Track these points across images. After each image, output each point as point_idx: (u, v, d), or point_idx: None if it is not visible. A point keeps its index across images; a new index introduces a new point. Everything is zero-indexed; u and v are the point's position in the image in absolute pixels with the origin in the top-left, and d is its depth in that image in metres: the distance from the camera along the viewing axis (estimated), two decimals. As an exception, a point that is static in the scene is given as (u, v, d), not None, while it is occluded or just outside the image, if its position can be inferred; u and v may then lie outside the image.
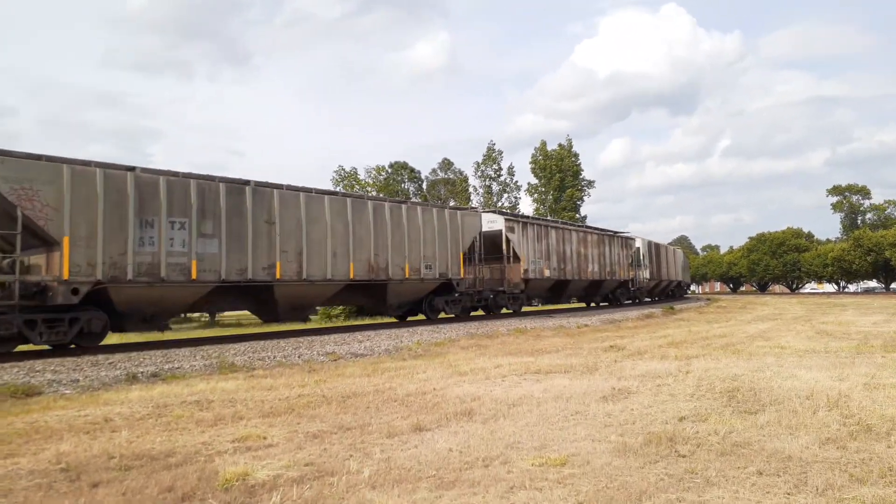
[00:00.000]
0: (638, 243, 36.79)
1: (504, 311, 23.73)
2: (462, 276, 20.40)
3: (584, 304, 34.64)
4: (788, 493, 3.78)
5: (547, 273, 25.56)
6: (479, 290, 22.30)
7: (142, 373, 9.61)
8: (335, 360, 11.49)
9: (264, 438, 5.36)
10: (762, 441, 4.94)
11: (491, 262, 23.27)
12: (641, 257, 36.86)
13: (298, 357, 11.61)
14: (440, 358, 11.36)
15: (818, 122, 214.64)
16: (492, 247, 23.31)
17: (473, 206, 59.45)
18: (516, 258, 23.57)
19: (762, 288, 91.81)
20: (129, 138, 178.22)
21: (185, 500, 3.86)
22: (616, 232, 35.22)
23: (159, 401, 7.27)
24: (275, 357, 11.45)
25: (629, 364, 9.77)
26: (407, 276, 18.17)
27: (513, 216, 25.03)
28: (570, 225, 30.15)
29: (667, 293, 48.21)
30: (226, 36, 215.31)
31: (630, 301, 36.26)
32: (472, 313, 23.28)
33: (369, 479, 4.17)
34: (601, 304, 34.37)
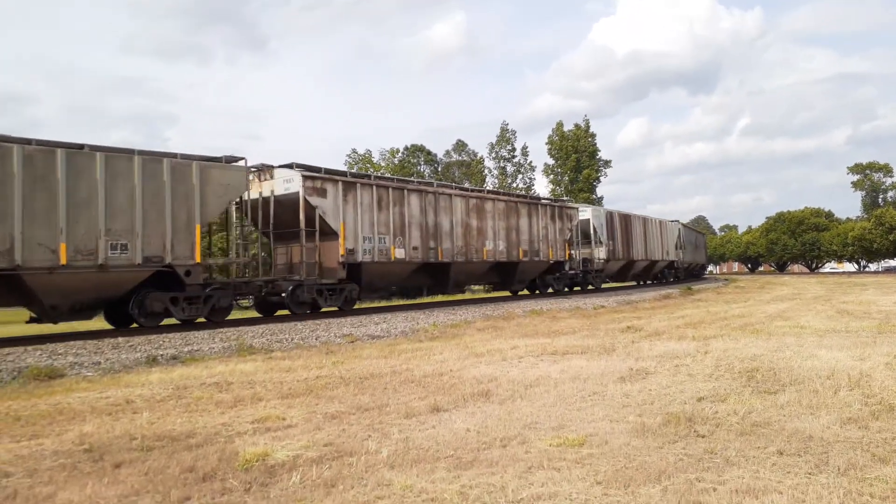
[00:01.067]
0: (586, 213, 28.83)
1: (326, 308, 16.99)
2: (197, 259, 13.53)
3: (507, 293, 26.58)
4: (810, 473, 3.74)
5: (399, 254, 18.20)
6: (266, 279, 16.08)
7: (161, 355, 9.73)
8: (352, 341, 11.55)
9: (283, 419, 5.41)
10: (782, 421, 4.90)
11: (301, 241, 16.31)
12: (593, 232, 28.79)
13: (316, 339, 11.69)
14: (456, 339, 11.38)
15: (841, 100, 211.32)
16: (295, 219, 16.35)
17: (489, 188, 59.22)
18: (333, 234, 16.59)
19: (781, 268, 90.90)
20: (148, 123, 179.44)
21: (206, 480, 3.90)
22: (552, 200, 28.08)
23: (179, 383, 7.35)
24: (293, 339, 11.54)
25: (647, 345, 9.72)
26: (64, 261, 11.64)
27: (326, 173, 16.90)
28: (452, 188, 21.78)
29: (654, 276, 39.75)
30: (244, 20, 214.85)
31: (578, 288, 28.50)
32: (280, 311, 16.91)
33: (388, 459, 4.19)
34: (535, 292, 26.30)
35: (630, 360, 8.15)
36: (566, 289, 27.43)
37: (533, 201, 25.10)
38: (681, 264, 43.32)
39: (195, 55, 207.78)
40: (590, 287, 29.04)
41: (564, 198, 34.63)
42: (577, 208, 27.97)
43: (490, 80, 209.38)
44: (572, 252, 27.10)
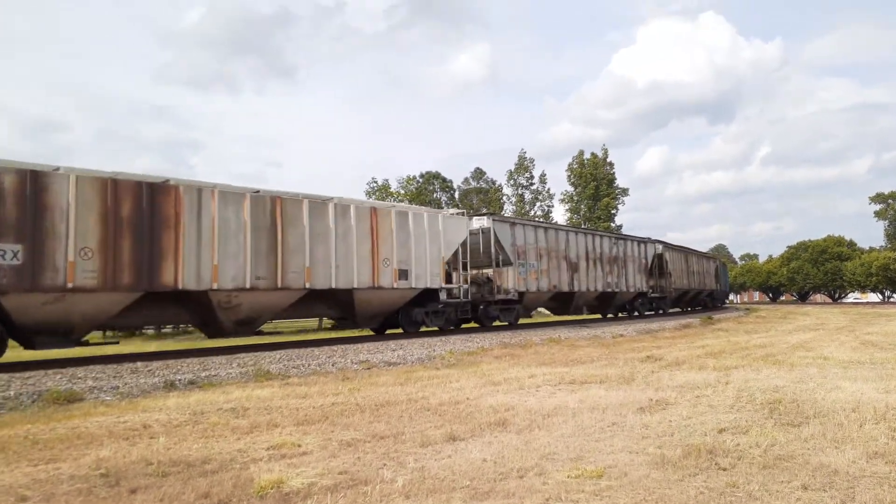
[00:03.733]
0: None
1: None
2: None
3: None
4: (835, 509, 3.65)
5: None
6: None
7: (179, 380, 9.76)
8: (368, 368, 11.52)
9: (299, 446, 5.38)
10: (806, 454, 4.79)
11: None
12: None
13: (332, 365, 11.67)
14: (473, 367, 11.31)
15: (862, 129, 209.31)
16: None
17: (506, 215, 59.29)
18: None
19: (802, 297, 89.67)
20: (175, 150, 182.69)
21: (221, 507, 3.88)
22: None
23: (196, 408, 7.36)
24: (309, 365, 11.53)
25: (667, 375, 9.60)
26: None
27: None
28: None
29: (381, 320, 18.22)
30: (274, 50, 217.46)
31: None
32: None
33: (403, 489, 4.14)
34: None
35: (650, 391, 8.04)
36: None
37: None
38: (497, 293, 21.63)
39: (225, 84, 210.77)
40: None
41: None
42: None
43: (510, 108, 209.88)
44: None
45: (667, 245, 35.93)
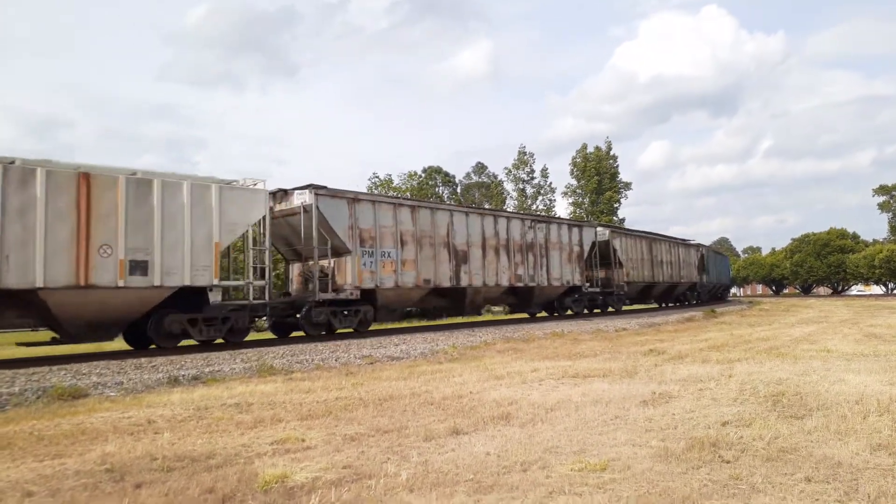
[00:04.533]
0: None
1: None
2: None
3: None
4: (839, 501, 3.65)
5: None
6: None
7: (183, 376, 9.78)
8: (372, 363, 11.54)
9: (303, 441, 5.40)
10: (810, 447, 4.79)
11: None
12: None
13: (336, 360, 11.69)
14: (476, 361, 11.32)
15: (865, 122, 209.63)
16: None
17: (508, 209, 59.24)
18: None
19: (806, 290, 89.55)
20: (178, 148, 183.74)
21: (226, 502, 3.90)
22: None
23: (200, 403, 7.38)
24: (313, 360, 11.55)
25: (670, 368, 9.59)
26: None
27: None
28: None
29: None
30: (277, 49, 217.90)
31: None
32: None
33: (407, 482, 4.15)
34: None
35: (653, 384, 8.04)
36: None
37: None
38: (326, 291, 16.81)
39: (229, 83, 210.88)
40: None
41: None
42: None
43: (513, 103, 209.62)
44: None
45: (616, 230, 31.18)
